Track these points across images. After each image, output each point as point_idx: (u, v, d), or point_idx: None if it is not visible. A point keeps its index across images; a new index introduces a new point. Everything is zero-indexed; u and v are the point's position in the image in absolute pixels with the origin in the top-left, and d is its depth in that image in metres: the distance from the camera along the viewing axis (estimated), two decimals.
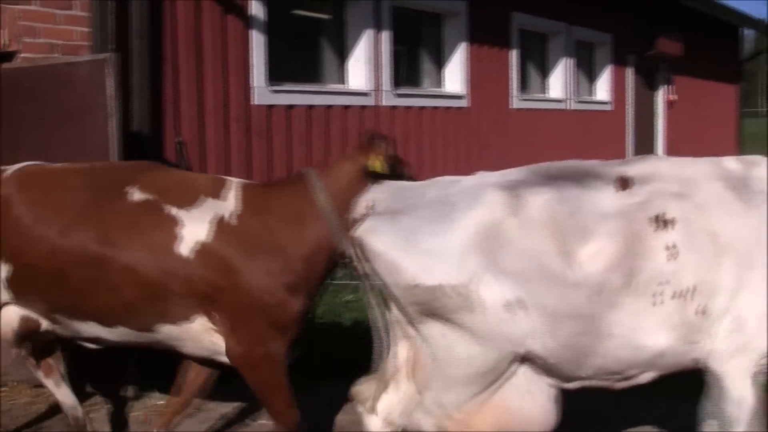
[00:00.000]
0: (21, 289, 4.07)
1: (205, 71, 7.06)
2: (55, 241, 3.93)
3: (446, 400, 3.30)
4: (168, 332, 3.94)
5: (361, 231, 3.32)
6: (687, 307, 3.20)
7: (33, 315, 4.13)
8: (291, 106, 7.98)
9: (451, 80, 10.62)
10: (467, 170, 10.21)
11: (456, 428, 3.32)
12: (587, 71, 14.37)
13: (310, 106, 8.22)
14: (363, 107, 8.97)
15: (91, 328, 4.06)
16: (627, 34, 14.89)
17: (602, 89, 14.67)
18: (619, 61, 14.92)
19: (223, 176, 4.26)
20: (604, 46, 14.48)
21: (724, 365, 3.27)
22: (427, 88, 10.49)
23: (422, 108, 9.91)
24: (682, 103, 17.44)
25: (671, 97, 17.16)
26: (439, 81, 10.65)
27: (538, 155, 11.98)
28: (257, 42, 7.56)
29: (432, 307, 3.19)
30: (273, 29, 7.83)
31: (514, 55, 11.65)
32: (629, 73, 15.35)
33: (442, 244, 3.18)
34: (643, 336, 3.21)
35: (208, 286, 3.81)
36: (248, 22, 7.48)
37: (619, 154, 14.85)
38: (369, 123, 8.99)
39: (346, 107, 8.72)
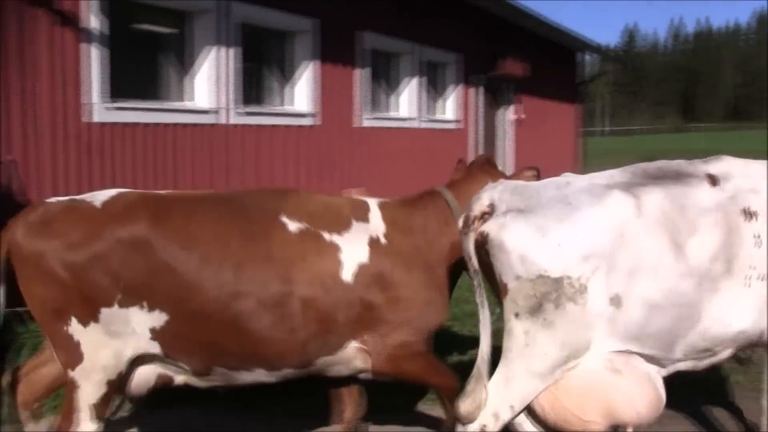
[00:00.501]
0: (176, 342, 3.57)
1: (39, 86, 6.74)
2: (230, 283, 3.57)
3: (517, 397, 3.53)
4: (325, 362, 3.88)
5: (492, 226, 3.49)
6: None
7: (170, 370, 3.71)
8: (132, 124, 7.72)
9: (300, 99, 10.58)
10: (317, 188, 10.16)
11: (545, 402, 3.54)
12: (436, 90, 14.68)
13: (153, 124, 7.99)
14: (209, 125, 8.79)
15: (253, 376, 3.79)
16: (475, 54, 15.30)
17: (451, 108, 15.00)
18: (468, 81, 15.33)
19: (359, 197, 4.22)
20: (452, 66, 14.81)
21: None
22: (276, 106, 10.40)
23: (271, 126, 9.81)
24: (529, 121, 18.06)
25: (519, 116, 17.73)
26: (288, 99, 10.59)
27: (386, 173, 12.16)
28: (96, 56, 7.28)
29: (547, 299, 3.41)
30: (114, 44, 7.58)
31: (363, 74, 11.74)
32: (477, 93, 15.76)
33: (571, 240, 3.41)
34: (734, 314, 3.62)
35: (367, 307, 3.82)
36: (87, 35, 7.20)
37: None
38: (215, 142, 8.83)
39: (191, 125, 8.52)
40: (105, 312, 3.45)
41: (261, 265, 3.63)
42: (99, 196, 3.63)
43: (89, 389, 3.51)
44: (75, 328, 3.46)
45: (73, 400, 3.52)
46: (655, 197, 3.57)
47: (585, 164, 23.02)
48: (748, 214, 3.66)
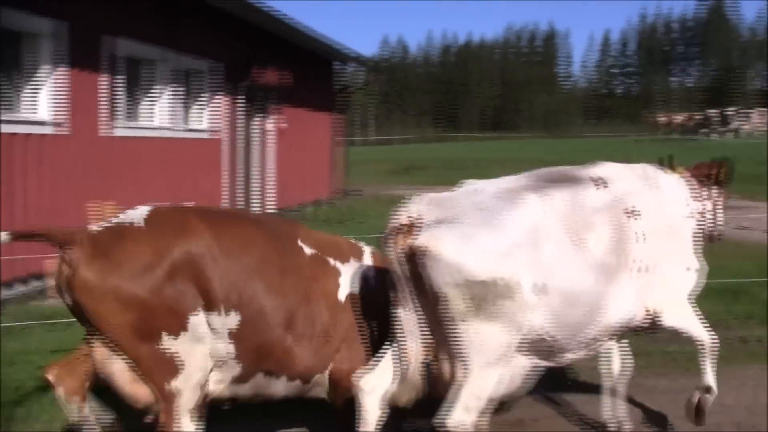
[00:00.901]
0: (245, 345, 3.85)
1: None
2: (276, 295, 3.92)
3: (481, 387, 3.76)
4: (318, 380, 4.21)
5: (424, 239, 3.69)
6: (647, 278, 4.20)
7: (218, 377, 3.90)
8: None
9: (43, 106, 10.06)
10: (65, 200, 9.65)
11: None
12: (193, 99, 14.42)
13: None
14: None
15: (274, 387, 4.08)
16: (233, 63, 15.23)
17: (207, 117, 14.78)
18: (228, 90, 15.22)
19: (356, 242, 4.70)
20: (210, 74, 14.64)
21: (665, 320, 4.34)
22: (15, 113, 9.76)
23: (9, 135, 9.25)
24: (290, 131, 18.20)
25: (280, 126, 17.82)
26: (30, 106, 10.01)
27: (138, 183, 11.81)
28: None
29: (485, 299, 3.64)
30: None
31: (114, 81, 11.38)
32: (235, 102, 15.70)
33: (497, 243, 3.69)
34: (625, 304, 4.12)
35: (347, 327, 4.21)
36: None
37: (224, 180, 15.07)
38: None
39: None
40: (192, 319, 3.67)
41: (295, 281, 4.03)
42: (137, 215, 3.76)
43: (188, 395, 3.69)
44: (167, 341, 3.64)
45: (172, 411, 3.67)
46: (560, 197, 4.00)
47: (347, 173, 23.58)
48: (632, 213, 4.19)
